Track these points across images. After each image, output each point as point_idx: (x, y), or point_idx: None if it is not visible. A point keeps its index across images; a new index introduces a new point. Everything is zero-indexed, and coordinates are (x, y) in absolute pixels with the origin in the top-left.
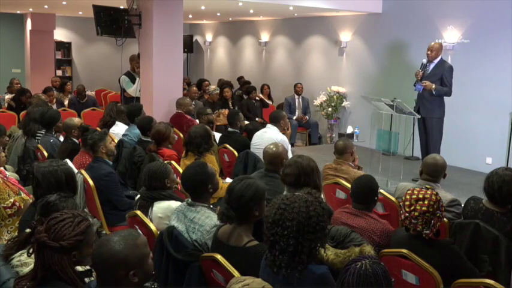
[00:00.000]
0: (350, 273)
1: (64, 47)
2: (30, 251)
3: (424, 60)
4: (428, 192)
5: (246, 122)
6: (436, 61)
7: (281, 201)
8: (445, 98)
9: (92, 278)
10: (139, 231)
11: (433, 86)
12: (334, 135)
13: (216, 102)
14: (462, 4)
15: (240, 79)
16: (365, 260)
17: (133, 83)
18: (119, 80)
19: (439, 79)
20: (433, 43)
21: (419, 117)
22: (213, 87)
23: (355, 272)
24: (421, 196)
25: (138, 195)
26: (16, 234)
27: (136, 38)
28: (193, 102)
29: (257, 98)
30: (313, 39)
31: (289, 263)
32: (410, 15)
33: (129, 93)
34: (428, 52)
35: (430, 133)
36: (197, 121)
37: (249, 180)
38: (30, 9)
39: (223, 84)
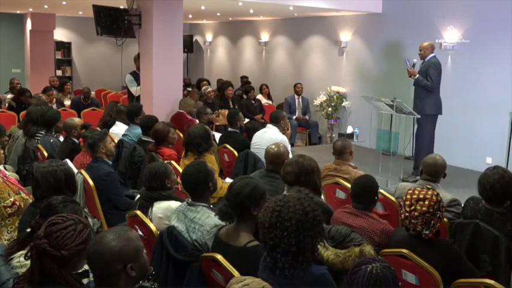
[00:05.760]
0: (360, 275)
1: (64, 47)
2: (29, 254)
3: (415, 60)
4: (429, 192)
5: (246, 120)
6: (426, 59)
7: (275, 204)
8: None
9: (91, 278)
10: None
11: (416, 76)
12: (334, 135)
13: (215, 101)
14: (462, 4)
15: (242, 78)
16: (376, 263)
17: (137, 81)
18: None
19: (425, 76)
20: (424, 43)
21: (419, 116)
22: (204, 87)
23: (365, 275)
24: (421, 196)
25: (138, 195)
26: (16, 234)
27: (136, 38)
28: None
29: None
30: (313, 39)
31: (292, 264)
32: (410, 15)
33: (132, 92)
34: (418, 52)
35: (418, 129)
36: (197, 121)
37: (248, 179)
38: (30, 9)
39: (223, 84)
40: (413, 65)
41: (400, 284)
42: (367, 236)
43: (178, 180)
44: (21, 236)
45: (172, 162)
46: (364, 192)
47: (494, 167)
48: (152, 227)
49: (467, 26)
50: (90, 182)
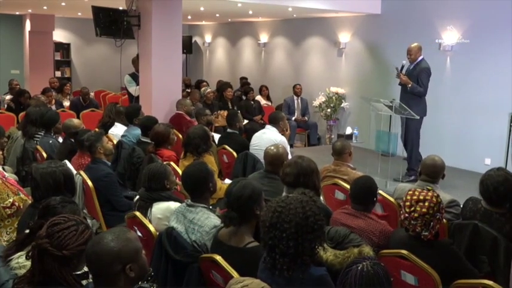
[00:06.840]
0: (352, 274)
1: (63, 48)
2: (30, 254)
3: (404, 62)
4: (429, 194)
5: (245, 121)
6: (416, 62)
7: (276, 204)
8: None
9: (90, 280)
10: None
11: (410, 84)
12: (333, 136)
13: (214, 102)
14: (461, 4)
15: (241, 79)
16: (366, 261)
17: (136, 82)
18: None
19: (416, 80)
20: (412, 45)
21: (418, 117)
22: (203, 88)
23: (356, 274)
24: (421, 197)
25: (137, 196)
26: (15, 235)
27: (135, 39)
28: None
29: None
30: (312, 40)
31: (290, 265)
32: (410, 16)
33: (130, 92)
34: (408, 55)
35: (407, 132)
36: (196, 122)
37: (244, 181)
38: (29, 10)
39: (223, 85)
40: (402, 67)
41: (392, 279)
42: (366, 236)
43: (178, 181)
44: (20, 237)
45: (171, 163)
46: (363, 193)
47: (498, 168)
48: (151, 228)
49: (467, 27)
50: (89, 183)
